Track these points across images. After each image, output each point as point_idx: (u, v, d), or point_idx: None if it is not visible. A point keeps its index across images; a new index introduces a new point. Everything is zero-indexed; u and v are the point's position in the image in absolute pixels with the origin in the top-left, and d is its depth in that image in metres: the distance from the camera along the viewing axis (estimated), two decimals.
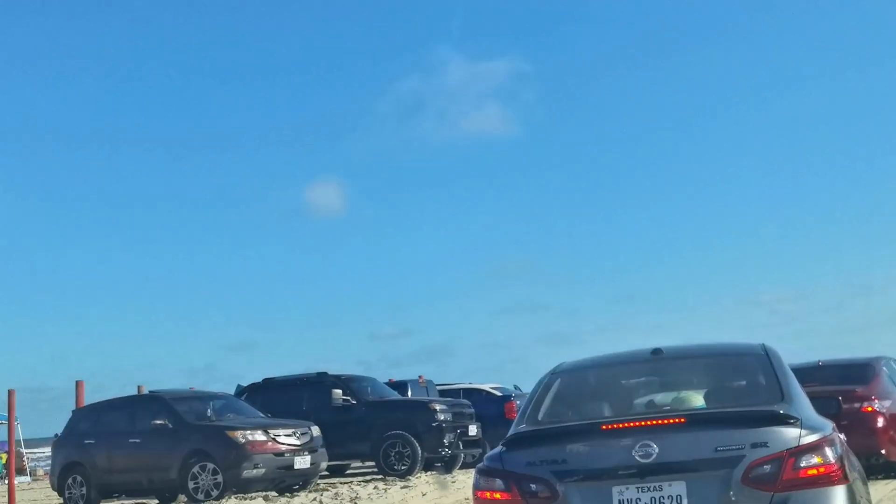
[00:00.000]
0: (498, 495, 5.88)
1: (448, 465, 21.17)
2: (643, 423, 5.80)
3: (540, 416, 6.47)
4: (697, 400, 6.68)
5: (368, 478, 20.99)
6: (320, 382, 21.45)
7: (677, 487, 5.60)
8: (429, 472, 20.55)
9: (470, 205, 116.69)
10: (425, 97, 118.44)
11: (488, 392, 25.55)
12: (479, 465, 6.22)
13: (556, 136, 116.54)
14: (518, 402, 24.01)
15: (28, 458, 43.56)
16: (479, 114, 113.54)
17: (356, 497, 15.53)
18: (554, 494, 5.72)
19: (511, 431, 6.28)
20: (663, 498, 5.61)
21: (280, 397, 21.39)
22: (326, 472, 20.47)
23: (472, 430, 21.45)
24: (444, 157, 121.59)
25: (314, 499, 15.50)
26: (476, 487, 6.08)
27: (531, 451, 5.91)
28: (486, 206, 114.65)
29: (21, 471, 36.81)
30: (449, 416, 20.75)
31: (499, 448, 6.09)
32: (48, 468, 25.16)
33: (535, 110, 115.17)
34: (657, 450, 5.61)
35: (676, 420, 5.81)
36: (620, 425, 5.82)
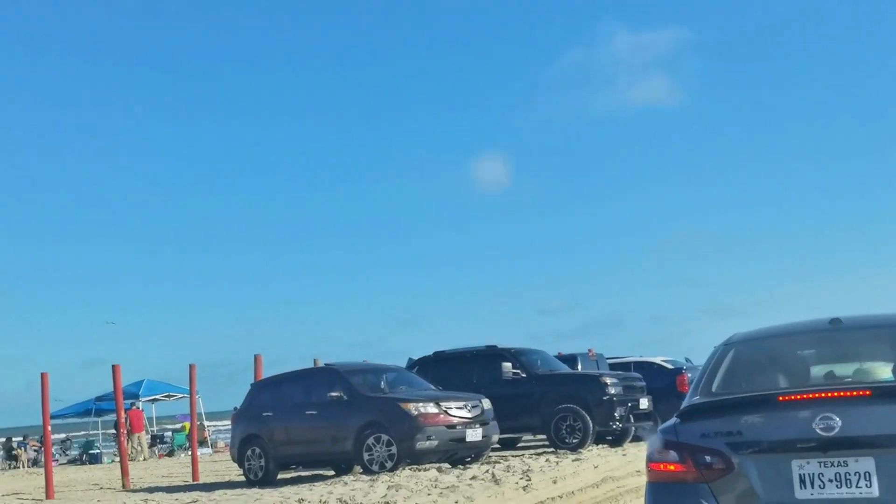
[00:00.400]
0: (672, 467, 5.81)
1: (619, 439, 21.05)
2: (824, 394, 5.61)
3: (714, 388, 6.35)
4: (884, 372, 6.39)
5: (540, 451, 21.02)
6: (490, 355, 21.56)
7: (865, 463, 5.35)
8: (600, 445, 20.47)
9: (636, 176, 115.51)
10: (590, 69, 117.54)
11: (659, 365, 25.25)
12: (653, 437, 6.16)
13: (722, 104, 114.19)
14: (689, 375, 23.70)
15: (209, 431, 45.20)
16: (644, 84, 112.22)
17: (528, 469, 15.57)
18: (729, 466, 5.61)
19: (685, 403, 6.19)
20: (849, 474, 5.38)
21: (450, 370, 21.60)
22: (498, 445, 20.58)
23: (643, 403, 21.26)
24: (610, 129, 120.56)
25: (486, 471, 15.60)
26: (650, 459, 6.02)
27: (706, 422, 5.81)
28: (651, 177, 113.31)
29: (203, 443, 38.25)
30: (620, 390, 20.62)
31: (673, 420, 6.02)
32: (228, 440, 26.03)
33: (700, 79, 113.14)
34: (840, 423, 5.38)
35: (861, 392, 5.58)
36: (799, 396, 5.65)
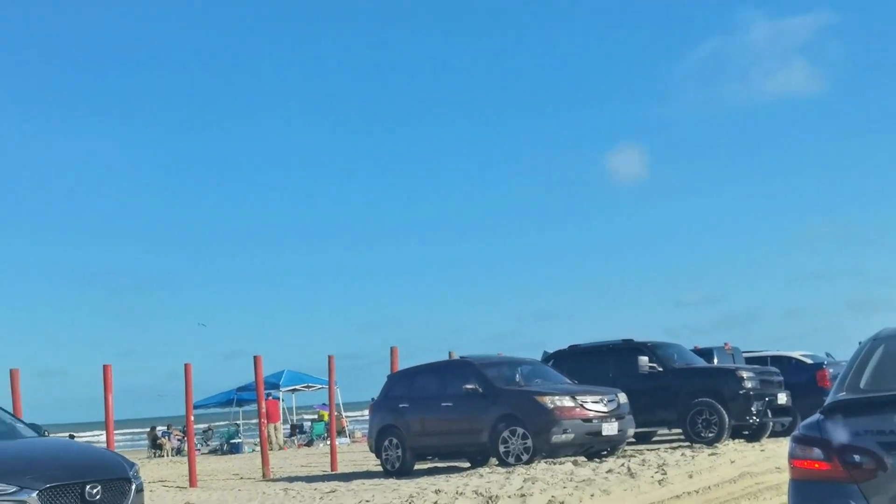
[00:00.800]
0: (817, 465, 5.67)
1: (756, 434, 20.70)
2: None
3: (862, 384, 6.16)
4: None
5: (675, 445, 20.81)
6: (626, 349, 21.41)
7: None
8: (736, 440, 20.17)
9: (773, 167, 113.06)
10: (727, 58, 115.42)
11: (797, 360, 24.70)
12: (795, 433, 6.03)
13: (865, 90, 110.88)
14: (831, 370, 23.14)
15: (347, 421, 45.85)
16: (782, 72, 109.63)
17: (664, 463, 15.44)
18: (881, 466, 5.42)
19: (830, 399, 6.03)
20: None
21: (585, 364, 21.51)
22: (633, 439, 20.44)
23: (782, 398, 20.87)
24: (747, 119, 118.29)
25: (622, 464, 15.53)
26: (792, 456, 5.90)
27: (854, 420, 5.64)
28: (789, 167, 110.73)
29: (341, 433, 38.80)
30: (757, 384, 20.28)
31: (817, 416, 5.88)
32: (365, 430, 26.37)
33: (843, 65, 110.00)
34: None
35: None
36: None
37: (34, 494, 9.92)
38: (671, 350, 21.75)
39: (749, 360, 24.58)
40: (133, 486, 10.90)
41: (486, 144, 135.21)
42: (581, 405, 17.51)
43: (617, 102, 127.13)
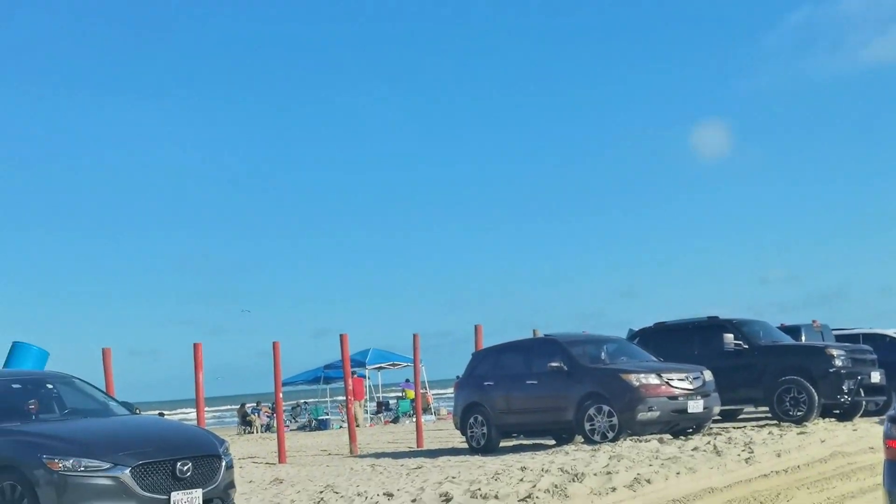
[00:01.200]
0: None
1: (849, 413, 20.33)
2: None
3: None
4: None
5: (762, 423, 20.55)
6: (712, 326, 21.16)
7: None
8: (826, 419, 19.85)
9: (863, 141, 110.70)
10: (818, 28, 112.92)
11: (892, 337, 24.19)
12: (890, 412, 5.89)
13: None
14: None
15: (433, 398, 46.06)
16: (879, 41, 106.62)
17: (750, 442, 15.27)
18: None
19: None
20: None
21: (671, 341, 21.32)
22: (719, 417, 20.22)
23: (875, 376, 20.43)
24: (837, 91, 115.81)
25: (707, 442, 15.39)
26: (887, 436, 5.76)
27: None
28: (882, 140, 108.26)
29: (426, 410, 38.98)
30: (848, 362, 19.89)
31: None
32: (451, 408, 26.48)
33: None
34: None
35: None
36: None
37: (127, 471, 10.11)
38: (757, 327, 21.44)
39: (840, 338, 24.15)
40: (223, 463, 11.04)
41: (569, 120, 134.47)
42: (666, 382, 17.39)
43: (702, 78, 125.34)
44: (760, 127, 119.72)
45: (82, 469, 10.01)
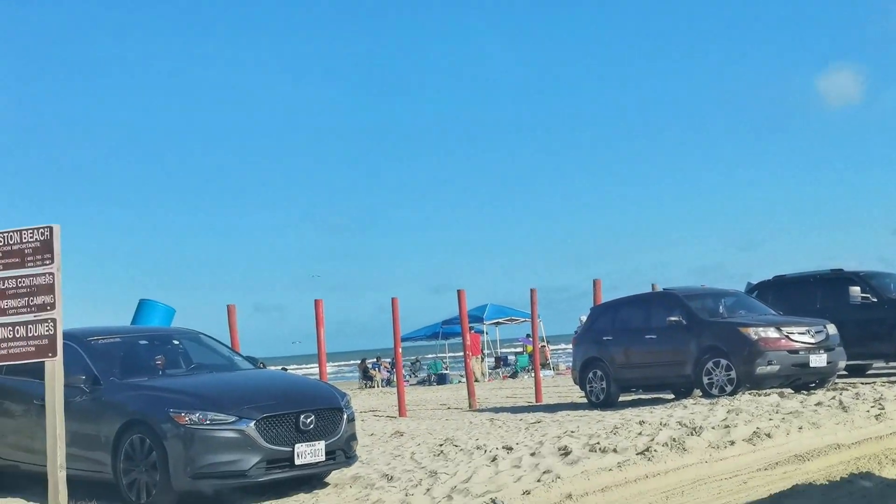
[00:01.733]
0: None
1: None
2: None
3: None
4: None
5: (894, 379, 20.09)
6: (836, 279, 20.74)
7: None
8: None
9: None
10: None
11: None
12: None
13: None
14: None
15: (551, 353, 46.10)
16: None
17: (881, 398, 14.91)
18: None
19: None
20: None
21: (791, 295, 20.98)
22: (845, 372, 19.84)
23: None
24: None
25: (832, 397, 15.11)
26: None
27: None
28: None
29: (545, 365, 39.04)
30: None
31: None
32: (570, 363, 26.49)
33: None
34: None
35: None
36: None
37: (251, 424, 10.38)
38: (887, 280, 20.93)
39: None
40: (345, 416, 11.27)
41: (689, 69, 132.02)
42: (786, 336, 17.15)
43: (830, 21, 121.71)
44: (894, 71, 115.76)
45: (208, 422, 10.31)
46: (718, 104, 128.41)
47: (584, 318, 21.19)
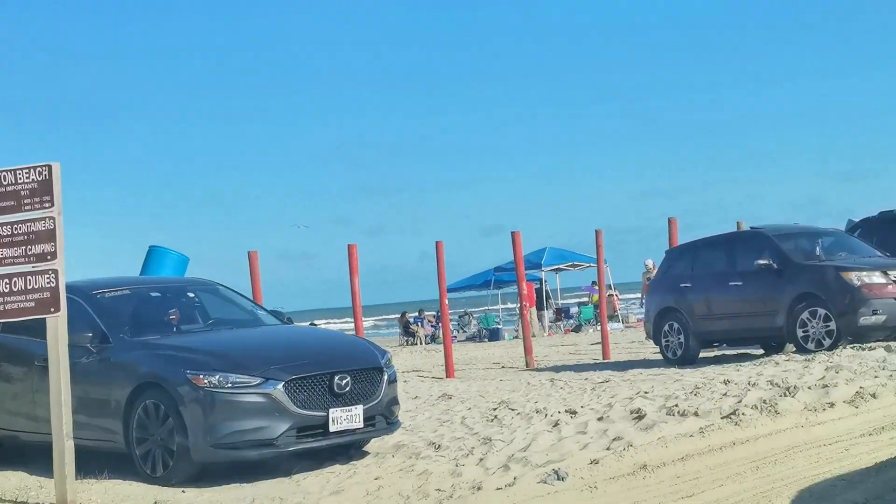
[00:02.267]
0: None
1: None
2: None
3: None
4: None
5: None
6: None
7: None
8: None
9: None
10: None
11: None
12: None
13: None
14: None
15: (619, 304, 45.99)
16: None
17: None
18: None
19: None
20: None
21: None
22: None
23: None
24: None
25: None
26: None
27: None
28: None
29: (613, 317, 38.99)
30: None
31: None
32: (641, 314, 26.52)
33: None
34: None
35: None
36: None
37: (279, 386, 10.44)
38: None
39: None
40: (385, 377, 11.33)
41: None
42: (894, 281, 17.01)
43: None
44: None
45: (230, 385, 10.40)
46: (811, 20, 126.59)
47: (650, 263, 21.14)
